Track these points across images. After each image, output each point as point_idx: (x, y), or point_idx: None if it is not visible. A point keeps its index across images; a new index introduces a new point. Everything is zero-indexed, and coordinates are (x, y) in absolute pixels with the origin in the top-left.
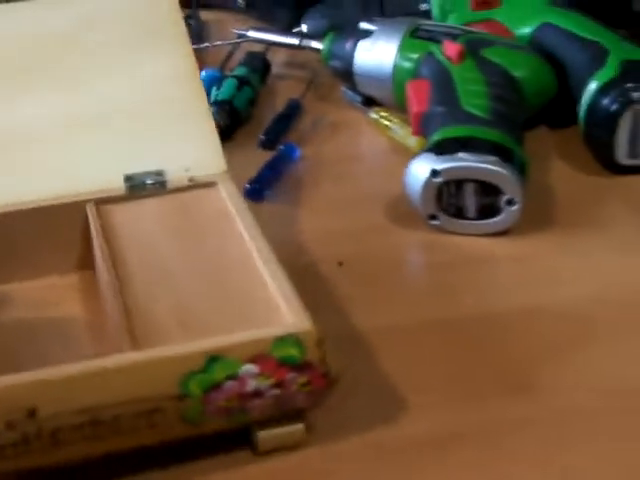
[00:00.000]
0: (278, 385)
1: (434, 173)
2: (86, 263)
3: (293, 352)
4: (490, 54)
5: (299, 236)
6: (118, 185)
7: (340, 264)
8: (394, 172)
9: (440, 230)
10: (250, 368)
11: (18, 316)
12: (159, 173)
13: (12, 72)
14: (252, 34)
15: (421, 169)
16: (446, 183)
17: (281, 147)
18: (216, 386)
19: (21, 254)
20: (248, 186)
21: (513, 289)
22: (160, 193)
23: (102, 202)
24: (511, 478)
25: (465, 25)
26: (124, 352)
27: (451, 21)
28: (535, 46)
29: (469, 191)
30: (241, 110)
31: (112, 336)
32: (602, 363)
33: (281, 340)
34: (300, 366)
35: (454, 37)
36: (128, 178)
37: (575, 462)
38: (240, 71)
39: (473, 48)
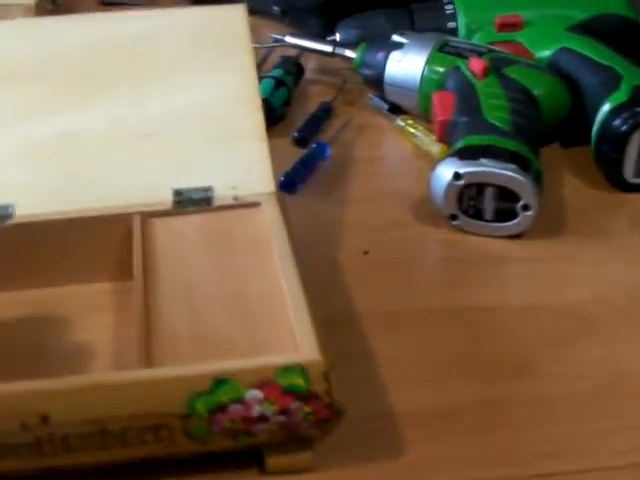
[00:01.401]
0: (283, 412)
1: (457, 176)
2: (126, 273)
3: (298, 381)
4: (512, 72)
5: (327, 227)
6: (166, 198)
7: (365, 253)
8: (418, 174)
9: (459, 229)
10: (255, 393)
11: (51, 316)
12: (207, 189)
13: (71, 80)
14: (289, 39)
15: (445, 172)
16: (467, 186)
17: (313, 145)
18: (221, 408)
19: (66, 260)
20: (282, 179)
21: (520, 287)
22: (205, 210)
23: (148, 215)
24: (503, 444)
25: (489, 44)
26: (137, 368)
27: (476, 40)
28: (553, 68)
29: (488, 195)
30: (276, 109)
31: (131, 348)
32: (594, 356)
33: (287, 369)
34: (305, 396)
35: (479, 54)
36: (176, 193)
37: (562, 437)
38: (276, 72)
39: (496, 65)
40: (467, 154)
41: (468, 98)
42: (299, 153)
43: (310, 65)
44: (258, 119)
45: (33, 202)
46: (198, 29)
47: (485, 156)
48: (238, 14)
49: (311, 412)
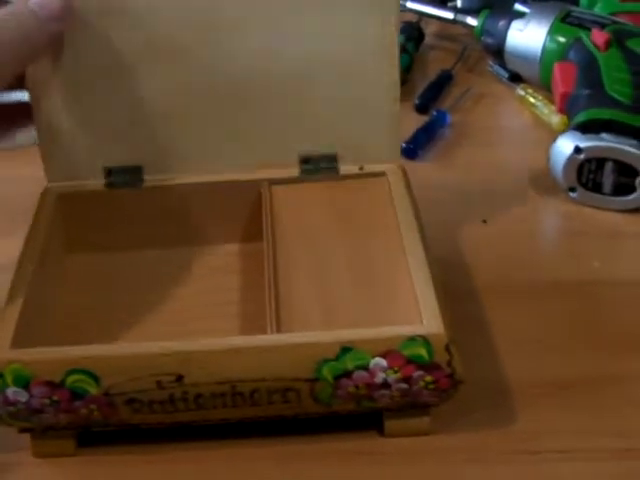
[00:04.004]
0: (405, 380)
1: (577, 150)
2: (251, 236)
3: (421, 352)
4: (635, 45)
5: (446, 194)
6: (292, 163)
7: (484, 222)
8: (536, 145)
9: (576, 202)
10: (380, 362)
11: (185, 277)
12: (332, 158)
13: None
14: (410, 5)
15: (566, 145)
16: (588, 160)
17: (434, 112)
18: (347, 374)
19: (194, 222)
20: (404, 145)
21: (637, 262)
22: (330, 178)
23: (275, 182)
24: (615, 418)
25: (611, 15)
26: (267, 333)
27: (598, 9)
28: None
29: (608, 169)
30: None
31: (260, 312)
32: None
33: (411, 340)
34: (427, 366)
35: (602, 26)
36: (303, 159)
37: None
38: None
39: (619, 38)
40: (589, 128)
41: (590, 70)
42: (419, 119)
43: (429, 30)
44: (392, 87)
45: (163, 165)
46: None
47: (606, 131)
48: None
49: (432, 381)
